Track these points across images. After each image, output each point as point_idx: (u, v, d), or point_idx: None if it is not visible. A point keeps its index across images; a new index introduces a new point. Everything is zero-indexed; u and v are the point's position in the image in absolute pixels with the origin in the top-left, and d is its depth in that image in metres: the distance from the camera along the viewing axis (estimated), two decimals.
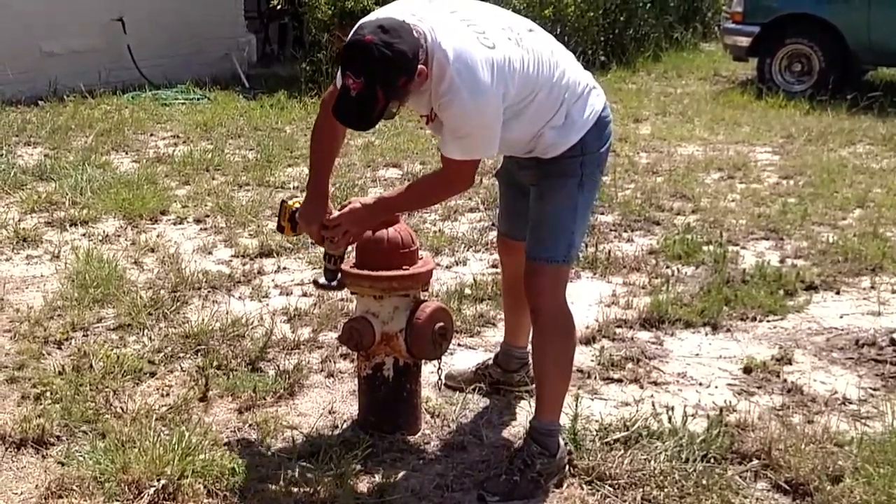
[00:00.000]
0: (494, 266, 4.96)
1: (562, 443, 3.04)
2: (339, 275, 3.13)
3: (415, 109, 2.90)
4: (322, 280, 3.18)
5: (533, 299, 3.02)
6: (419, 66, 2.66)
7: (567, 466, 3.03)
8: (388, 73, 2.61)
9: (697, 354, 3.98)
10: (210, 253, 5.19)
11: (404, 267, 3.11)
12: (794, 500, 2.93)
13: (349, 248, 3.14)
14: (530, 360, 3.51)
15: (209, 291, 4.57)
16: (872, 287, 4.69)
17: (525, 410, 3.43)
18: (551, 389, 3.06)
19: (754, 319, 4.31)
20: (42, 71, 9.51)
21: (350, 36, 2.68)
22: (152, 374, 3.68)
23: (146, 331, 4.08)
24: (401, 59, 2.61)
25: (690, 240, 5.25)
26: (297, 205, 3.16)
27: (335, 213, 3.04)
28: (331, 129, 3.06)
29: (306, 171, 6.89)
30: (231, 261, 5.05)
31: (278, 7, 10.76)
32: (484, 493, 2.92)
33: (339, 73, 2.87)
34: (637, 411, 3.38)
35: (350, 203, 3.03)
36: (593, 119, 2.96)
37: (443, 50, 2.68)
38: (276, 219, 3.28)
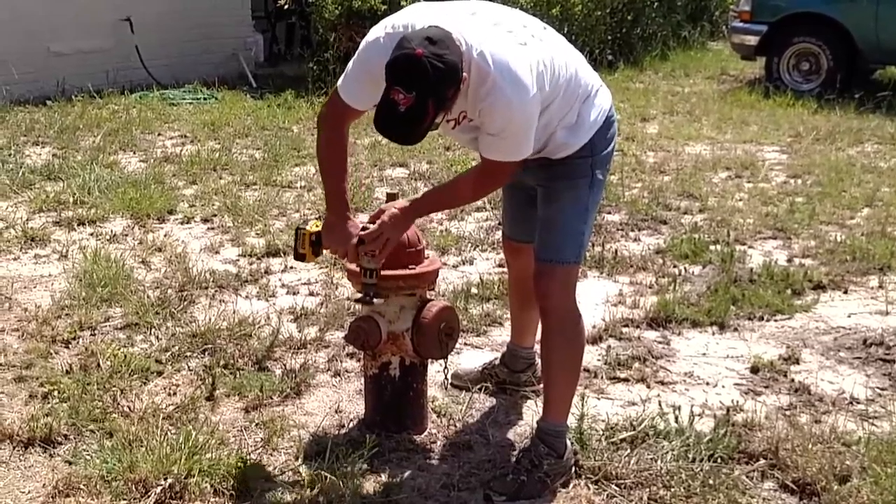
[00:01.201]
0: (501, 265, 4.95)
1: (569, 444, 3.04)
2: (375, 286, 3.01)
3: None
4: (360, 296, 3.05)
5: (543, 301, 3.02)
6: (463, 74, 2.62)
7: (574, 468, 3.03)
8: (440, 86, 2.56)
9: (704, 354, 3.97)
10: (217, 252, 5.20)
11: (410, 266, 3.11)
12: (802, 500, 2.92)
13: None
14: (537, 361, 3.51)
15: (216, 291, 4.57)
16: (880, 286, 4.68)
17: (531, 410, 3.43)
18: (559, 391, 3.05)
19: (762, 319, 4.30)
20: (50, 71, 9.54)
21: (395, 50, 2.59)
22: (159, 374, 3.69)
23: (153, 330, 4.09)
24: (452, 70, 2.57)
25: (698, 239, 5.24)
26: (316, 227, 3.05)
27: (370, 226, 2.95)
28: (339, 143, 2.99)
29: (313, 170, 6.90)
30: (238, 260, 5.06)
31: (285, 7, 10.78)
32: (490, 493, 2.92)
33: (342, 85, 2.85)
34: (644, 411, 3.38)
35: (384, 211, 2.96)
36: (602, 119, 2.95)
37: (480, 52, 2.65)
38: (294, 247, 3.12)
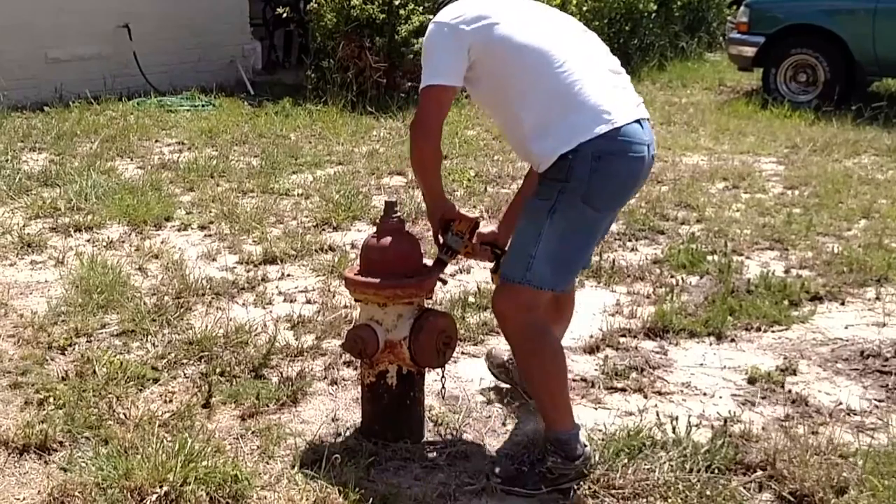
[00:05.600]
0: None
1: (583, 450, 3.00)
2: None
3: None
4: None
5: (496, 317, 3.06)
6: None
7: (584, 475, 2.99)
8: None
9: (702, 364, 3.96)
10: (214, 259, 5.19)
11: (409, 274, 3.11)
12: None
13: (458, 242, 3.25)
14: None
15: (213, 298, 4.56)
16: (877, 298, 4.68)
17: (529, 420, 3.42)
18: (542, 402, 3.05)
19: (759, 330, 4.30)
20: (48, 77, 9.55)
21: None
22: (155, 381, 3.68)
23: (150, 337, 4.07)
24: None
25: (695, 249, 5.24)
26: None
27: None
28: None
29: (311, 178, 6.90)
30: (235, 267, 5.05)
31: (284, 15, 10.79)
32: (491, 471, 3.00)
33: (446, 75, 2.96)
34: (641, 421, 3.38)
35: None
36: (580, 139, 2.81)
37: None
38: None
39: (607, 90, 2.93)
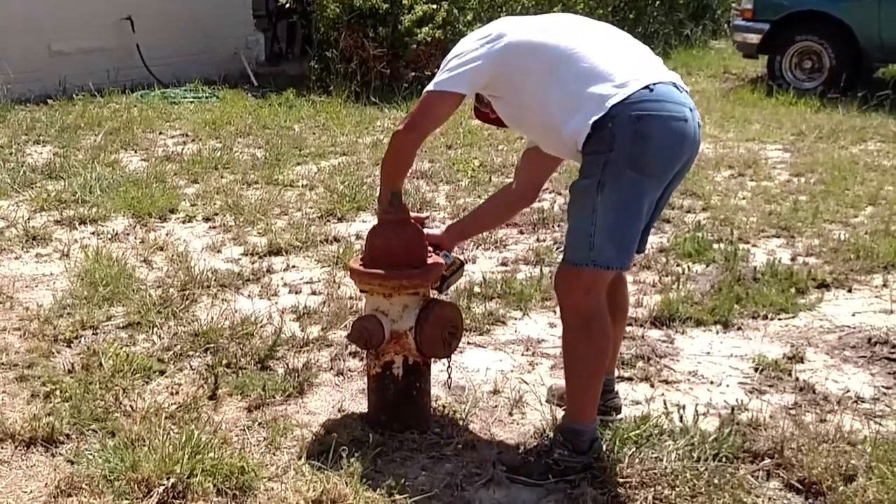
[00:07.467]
0: (504, 264, 4.96)
1: (593, 444, 2.99)
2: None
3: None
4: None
5: (557, 298, 3.01)
6: None
7: (594, 466, 2.97)
8: None
9: (708, 353, 3.96)
10: (219, 251, 5.19)
11: (414, 265, 3.10)
12: (807, 500, 2.90)
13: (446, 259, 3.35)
14: (614, 388, 3.38)
15: (218, 290, 4.56)
16: (884, 285, 4.66)
17: (536, 410, 3.42)
18: (573, 390, 3.01)
19: (766, 318, 4.29)
20: (51, 70, 9.55)
21: None
22: (162, 373, 3.68)
23: (155, 329, 4.07)
24: None
25: (701, 238, 5.22)
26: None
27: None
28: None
29: (315, 168, 6.87)
30: (240, 259, 5.05)
31: (286, 5, 10.78)
32: (497, 461, 3.02)
33: (462, 82, 2.92)
34: (648, 410, 3.37)
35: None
36: (610, 103, 2.76)
37: None
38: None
39: (629, 61, 2.90)
